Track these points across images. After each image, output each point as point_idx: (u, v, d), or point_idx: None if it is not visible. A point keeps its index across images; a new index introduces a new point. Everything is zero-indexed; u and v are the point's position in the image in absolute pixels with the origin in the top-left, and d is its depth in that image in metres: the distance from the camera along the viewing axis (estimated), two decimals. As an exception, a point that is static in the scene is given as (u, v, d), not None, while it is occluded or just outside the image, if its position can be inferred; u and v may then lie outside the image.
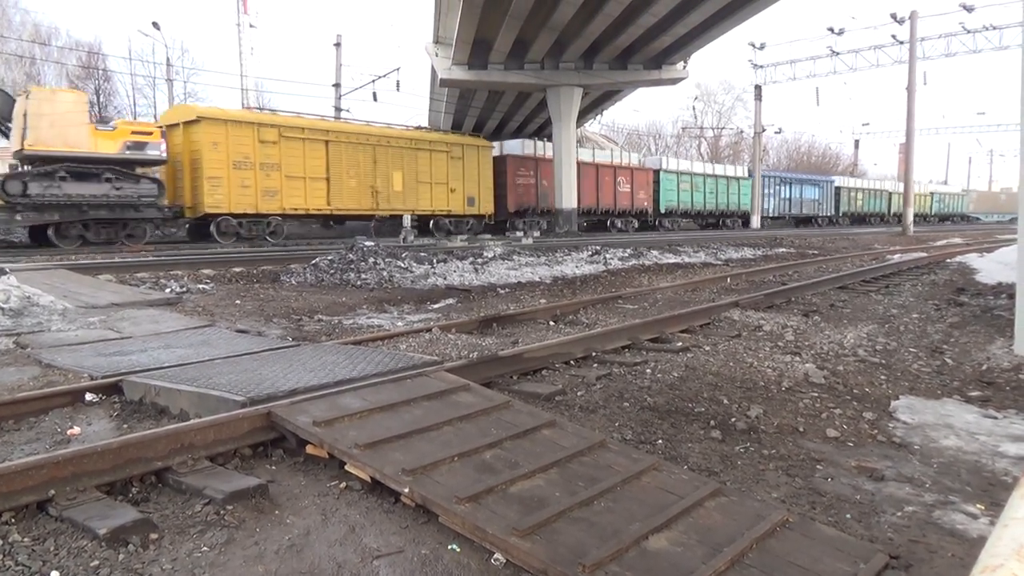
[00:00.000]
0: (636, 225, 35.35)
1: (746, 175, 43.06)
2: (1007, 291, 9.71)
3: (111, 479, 2.86)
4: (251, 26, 45.05)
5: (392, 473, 2.84)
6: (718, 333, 6.93)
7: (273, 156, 21.09)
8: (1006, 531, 1.38)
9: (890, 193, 55.17)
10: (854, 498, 3.18)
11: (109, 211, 17.94)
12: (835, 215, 49.44)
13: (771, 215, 44.09)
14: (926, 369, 5.53)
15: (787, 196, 45.50)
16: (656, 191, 36.40)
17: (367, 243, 13.85)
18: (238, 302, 8.96)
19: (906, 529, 2.88)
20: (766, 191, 43.18)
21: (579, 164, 31.09)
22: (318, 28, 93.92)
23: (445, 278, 11.78)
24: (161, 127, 19.96)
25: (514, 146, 31.83)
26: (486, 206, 28.15)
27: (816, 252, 20.51)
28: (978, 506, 3.09)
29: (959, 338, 6.74)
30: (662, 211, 36.74)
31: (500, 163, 29.64)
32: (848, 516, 2.99)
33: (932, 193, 61.62)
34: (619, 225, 34.29)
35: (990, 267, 13.24)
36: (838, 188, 50.32)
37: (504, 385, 4.75)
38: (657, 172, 36.65)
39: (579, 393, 4.64)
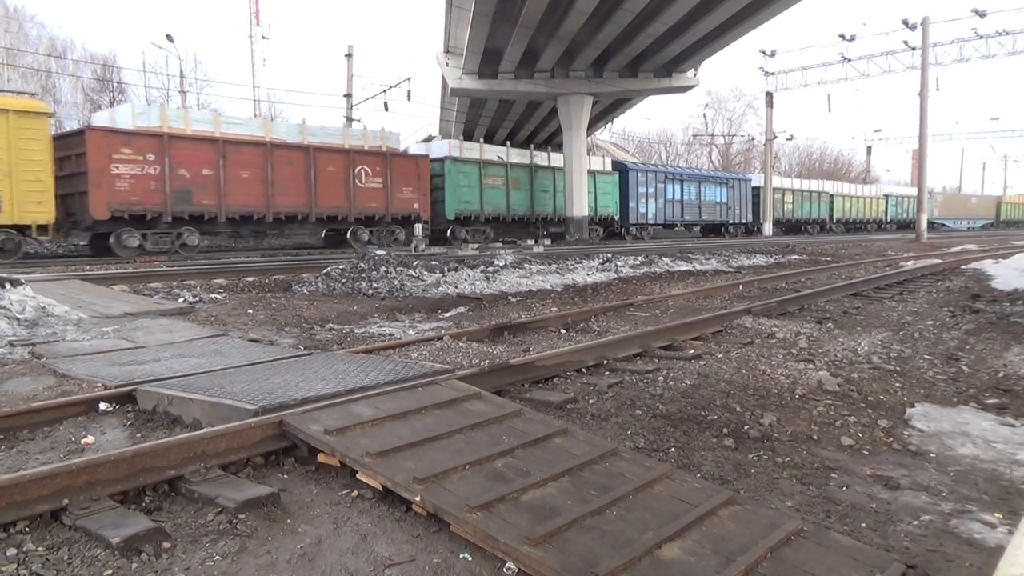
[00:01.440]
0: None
1: (610, 169, 33.52)
2: (1023, 297, 9.63)
3: (124, 488, 2.87)
4: (263, 38, 45.54)
5: (404, 482, 2.84)
6: (730, 340, 6.90)
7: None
8: (1025, 540, 1.36)
9: (831, 196, 49.36)
10: (869, 507, 3.15)
11: None
12: (753, 222, 41.93)
13: (649, 222, 34.87)
14: (942, 376, 5.47)
15: (676, 197, 36.30)
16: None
17: (378, 252, 13.90)
18: (250, 311, 9.00)
19: (923, 538, 2.85)
20: (640, 190, 34.17)
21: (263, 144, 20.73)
22: (330, 39, 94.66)
23: (456, 286, 11.79)
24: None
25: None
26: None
27: (829, 259, 20.40)
28: (996, 515, 3.05)
29: (975, 345, 6.67)
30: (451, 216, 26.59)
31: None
32: (863, 525, 2.96)
33: (887, 196, 56.82)
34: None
35: (1006, 273, 13.12)
36: (757, 189, 42.53)
37: (515, 393, 4.74)
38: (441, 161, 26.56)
39: (591, 401, 4.62)
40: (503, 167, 28.77)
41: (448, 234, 26.88)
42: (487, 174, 28.03)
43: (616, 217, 33.26)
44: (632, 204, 34.05)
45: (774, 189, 42.75)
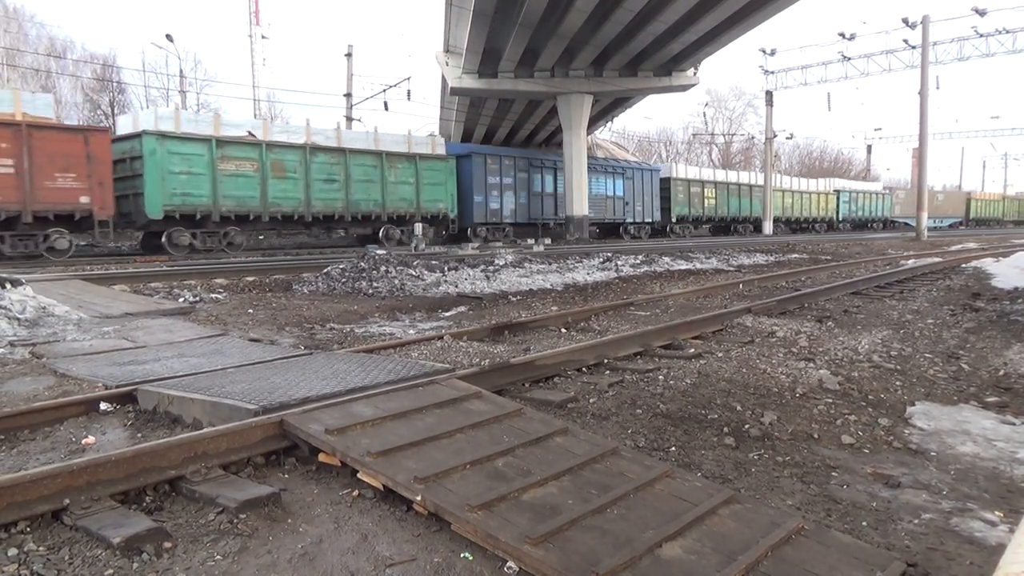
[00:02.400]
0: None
1: (441, 152, 26.49)
2: (1023, 296, 9.63)
3: (125, 488, 2.87)
4: (263, 37, 45.53)
5: (404, 481, 2.84)
6: (731, 339, 6.90)
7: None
8: (1026, 538, 1.36)
9: (752, 187, 42.58)
10: (870, 505, 3.15)
11: None
12: (664, 220, 36.57)
13: (505, 219, 28.32)
14: (942, 375, 5.47)
15: (547, 190, 30.51)
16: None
17: (379, 251, 13.90)
18: (251, 311, 9.00)
19: (923, 536, 2.85)
20: (490, 180, 27.73)
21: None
22: (329, 39, 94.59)
23: (456, 286, 11.79)
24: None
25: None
26: None
27: (829, 258, 20.40)
28: (996, 513, 3.05)
29: (975, 343, 6.67)
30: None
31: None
32: (864, 523, 2.96)
33: (838, 192, 49.93)
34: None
35: (1006, 272, 13.12)
36: (668, 181, 36.53)
37: (516, 392, 4.74)
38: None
39: (591, 400, 4.62)
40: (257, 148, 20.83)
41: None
42: (226, 157, 20.14)
43: (452, 214, 26.13)
44: (478, 198, 27.36)
45: (691, 181, 38.31)
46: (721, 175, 42.23)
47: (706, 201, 39.17)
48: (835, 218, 49.50)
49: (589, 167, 31.23)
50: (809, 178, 52.59)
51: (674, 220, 37.15)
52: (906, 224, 55.69)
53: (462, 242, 25.66)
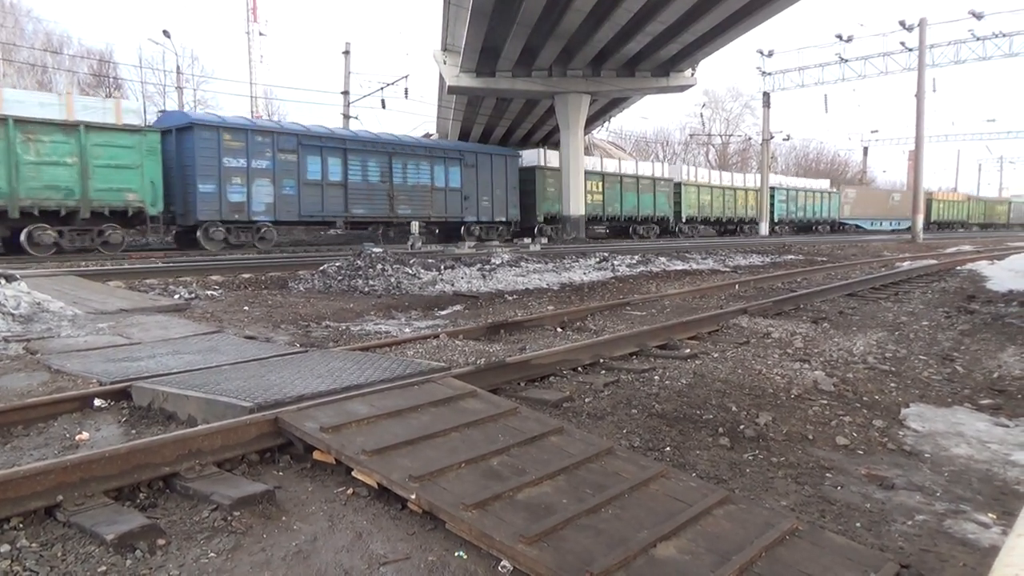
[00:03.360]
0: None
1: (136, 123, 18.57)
2: (1018, 299, 9.66)
3: (119, 485, 2.86)
4: (261, 34, 45.48)
5: (399, 479, 2.84)
6: (726, 340, 6.91)
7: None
8: (1021, 541, 1.37)
9: (677, 185, 36.94)
10: (864, 506, 3.16)
11: None
12: (528, 219, 29.58)
13: (255, 214, 20.63)
14: (936, 377, 5.49)
15: (335, 178, 22.60)
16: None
17: (375, 250, 13.88)
18: (246, 308, 8.98)
19: (917, 538, 2.85)
20: (227, 163, 20.01)
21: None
22: (327, 36, 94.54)
23: (453, 284, 11.79)
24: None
25: None
26: None
27: (825, 259, 20.44)
28: (990, 515, 3.06)
29: (970, 346, 6.69)
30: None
31: None
32: (858, 525, 2.97)
33: (773, 189, 43.02)
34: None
35: (1001, 275, 13.16)
36: (533, 171, 30.01)
37: (511, 391, 4.74)
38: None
39: (587, 400, 4.63)
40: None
41: None
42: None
43: (154, 209, 18.52)
44: (208, 187, 19.55)
45: (587, 173, 31.49)
46: (612, 165, 34.61)
47: (591, 197, 31.62)
48: (772, 220, 42.85)
49: (403, 150, 24.67)
50: (737, 172, 47.53)
51: (541, 220, 30.20)
52: (857, 227, 51.20)
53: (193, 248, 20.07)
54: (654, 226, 36.19)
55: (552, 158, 31.12)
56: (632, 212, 34.59)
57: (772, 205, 42.99)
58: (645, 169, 37.06)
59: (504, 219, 28.54)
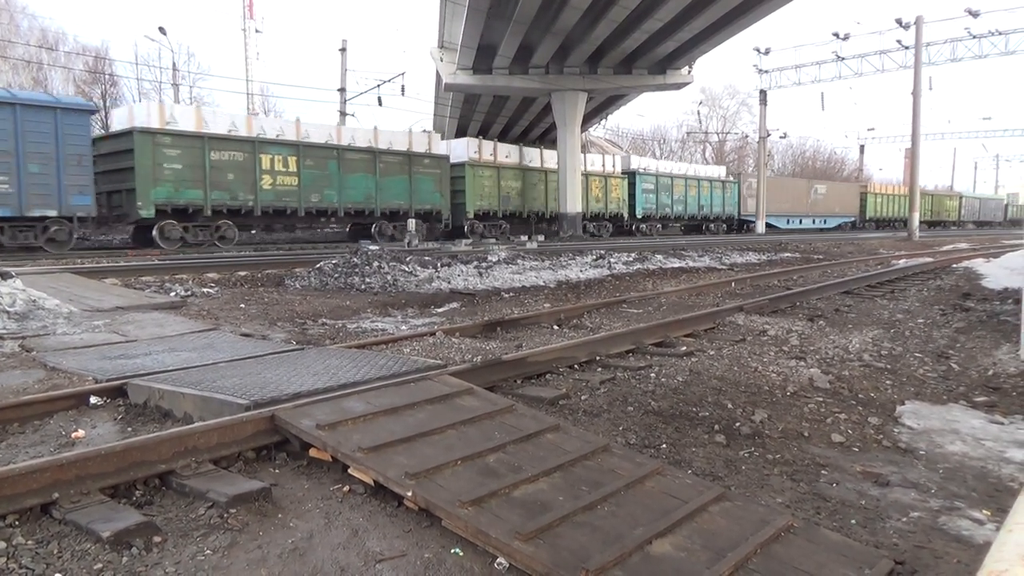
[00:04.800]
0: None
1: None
2: (1013, 296, 9.69)
3: (115, 482, 2.86)
4: (257, 31, 45.32)
5: (395, 477, 2.84)
6: (722, 337, 6.92)
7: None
8: (1011, 536, 1.37)
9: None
10: (859, 503, 3.17)
11: None
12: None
13: None
14: (932, 374, 5.51)
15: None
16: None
17: (371, 247, 13.87)
18: (242, 306, 8.97)
19: (911, 535, 2.87)
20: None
21: None
22: (324, 33, 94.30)
23: (449, 282, 11.78)
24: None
25: None
26: None
27: (821, 256, 20.48)
28: (984, 512, 3.08)
29: (965, 343, 6.71)
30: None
31: None
32: (853, 521, 2.98)
33: (633, 174, 34.59)
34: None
35: (996, 272, 13.19)
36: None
37: (508, 389, 4.74)
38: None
39: (583, 397, 4.63)
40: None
41: None
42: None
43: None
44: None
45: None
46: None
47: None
48: (624, 214, 34.17)
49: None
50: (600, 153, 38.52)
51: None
52: (770, 226, 42.79)
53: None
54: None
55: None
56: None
57: (632, 196, 34.84)
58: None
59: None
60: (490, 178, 28.36)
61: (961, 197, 67.19)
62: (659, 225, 37.38)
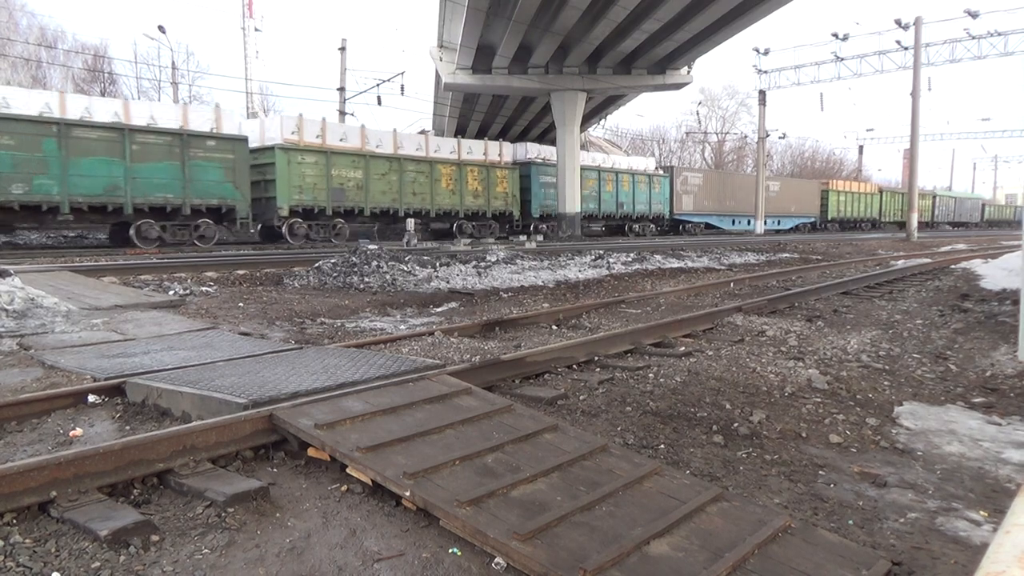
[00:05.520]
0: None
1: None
2: (1011, 297, 9.69)
3: (113, 481, 2.86)
4: (256, 30, 45.29)
5: (393, 476, 2.84)
6: (721, 338, 6.92)
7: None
8: (1008, 537, 1.38)
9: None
10: (857, 504, 3.17)
11: None
12: None
13: None
14: (930, 375, 5.51)
15: None
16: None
17: (370, 246, 13.87)
18: (241, 305, 8.97)
19: (909, 535, 2.87)
20: None
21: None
22: (323, 32, 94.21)
23: (448, 281, 11.78)
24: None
25: None
26: None
27: (820, 257, 20.50)
28: (981, 513, 3.08)
29: (963, 344, 6.71)
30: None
31: None
32: (850, 522, 2.98)
33: (523, 165, 29.95)
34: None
35: (994, 273, 13.19)
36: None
37: (506, 389, 4.75)
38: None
39: (581, 397, 4.63)
40: None
41: None
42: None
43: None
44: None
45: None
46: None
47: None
48: (514, 212, 29.41)
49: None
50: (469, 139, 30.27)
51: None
52: (709, 226, 39.02)
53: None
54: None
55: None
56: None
57: (527, 191, 30.21)
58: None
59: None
60: (315, 165, 22.55)
61: (935, 196, 63.06)
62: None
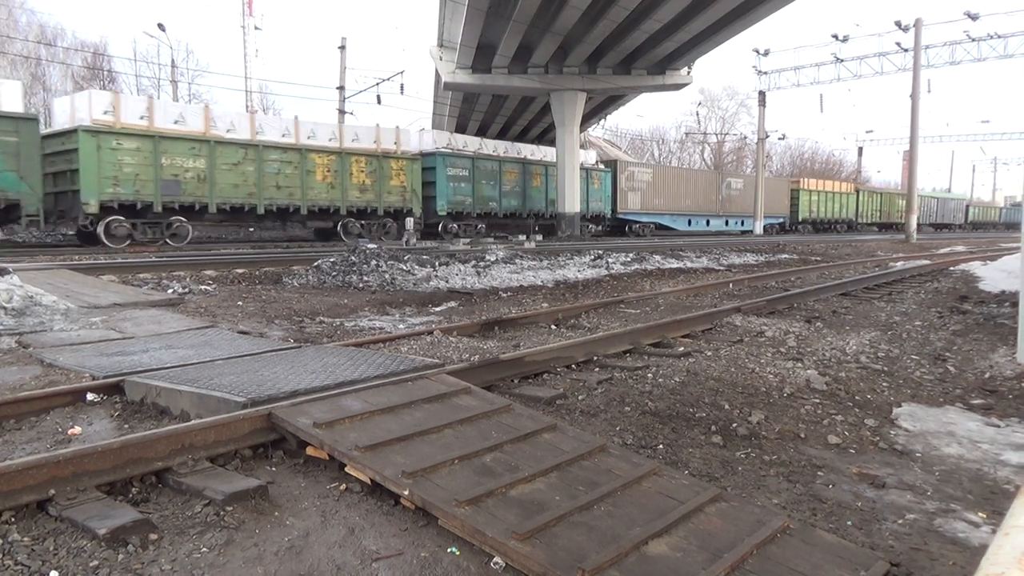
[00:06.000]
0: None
1: None
2: (1010, 299, 9.70)
3: (111, 479, 2.85)
4: (256, 28, 45.27)
5: (392, 475, 2.84)
6: (720, 338, 6.92)
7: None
8: (1007, 539, 1.38)
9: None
10: (855, 505, 3.17)
11: None
12: None
13: None
14: (928, 377, 5.51)
15: None
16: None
17: (370, 245, 13.87)
18: (240, 303, 8.96)
19: (907, 537, 2.87)
20: None
21: None
22: (323, 31, 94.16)
23: (447, 281, 11.78)
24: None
25: None
26: None
27: (819, 258, 20.51)
28: (980, 514, 3.08)
29: (962, 346, 6.72)
30: None
31: None
32: (849, 523, 2.98)
33: (423, 154, 25.69)
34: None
35: (993, 275, 13.21)
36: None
37: (505, 388, 4.75)
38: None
39: (580, 397, 4.63)
40: None
41: None
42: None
43: None
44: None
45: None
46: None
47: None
48: (415, 209, 24.98)
49: None
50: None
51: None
52: (661, 226, 35.46)
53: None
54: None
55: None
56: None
57: (430, 186, 25.94)
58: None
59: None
60: (138, 152, 18.78)
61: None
62: (484, 226, 28.04)
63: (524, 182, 29.85)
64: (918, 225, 56.40)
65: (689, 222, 38.53)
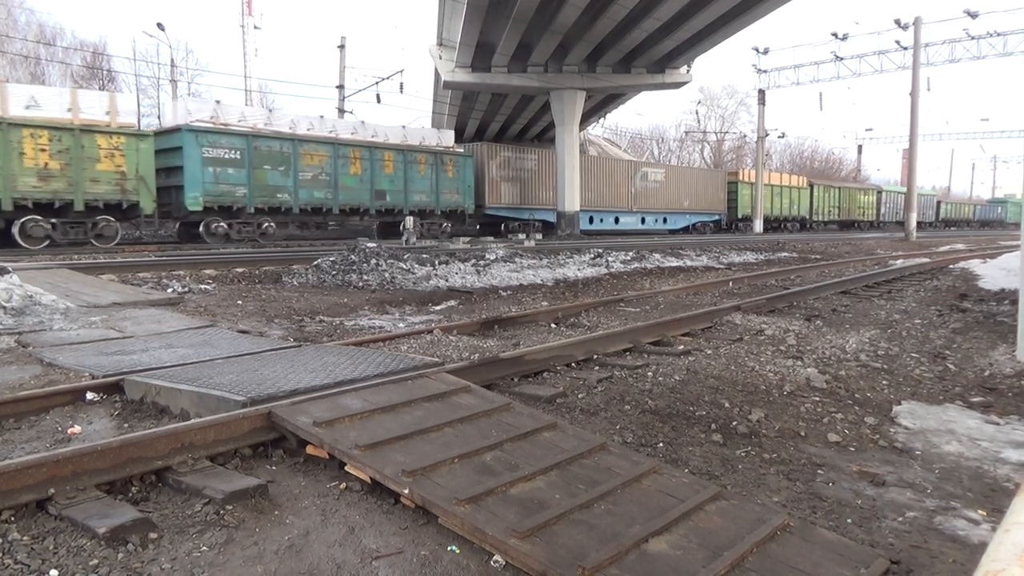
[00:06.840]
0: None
1: None
2: (1010, 297, 9.70)
3: (111, 478, 2.85)
4: (255, 27, 45.20)
5: (392, 474, 2.84)
6: (720, 337, 6.92)
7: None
8: (1007, 536, 1.38)
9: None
10: (855, 503, 3.17)
11: None
12: None
13: None
14: (928, 375, 5.51)
15: None
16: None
17: (369, 244, 13.86)
18: (240, 302, 8.96)
19: (907, 534, 2.87)
20: None
21: None
22: (322, 30, 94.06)
23: (447, 280, 11.78)
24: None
25: None
26: None
27: (819, 256, 20.51)
28: (980, 512, 3.08)
29: (961, 344, 6.72)
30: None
31: None
32: (849, 521, 2.98)
33: (200, 130, 19.70)
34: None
35: (993, 273, 13.21)
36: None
37: (505, 387, 4.74)
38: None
39: (580, 396, 4.63)
40: None
41: None
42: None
43: None
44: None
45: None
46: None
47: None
48: (141, 203, 18.89)
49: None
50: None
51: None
52: (548, 223, 30.32)
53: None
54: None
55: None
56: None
57: (176, 172, 20.02)
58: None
59: None
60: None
61: (880, 192, 55.68)
62: (273, 224, 22.03)
63: (335, 168, 23.01)
64: (882, 223, 53.75)
65: (591, 219, 32.67)
